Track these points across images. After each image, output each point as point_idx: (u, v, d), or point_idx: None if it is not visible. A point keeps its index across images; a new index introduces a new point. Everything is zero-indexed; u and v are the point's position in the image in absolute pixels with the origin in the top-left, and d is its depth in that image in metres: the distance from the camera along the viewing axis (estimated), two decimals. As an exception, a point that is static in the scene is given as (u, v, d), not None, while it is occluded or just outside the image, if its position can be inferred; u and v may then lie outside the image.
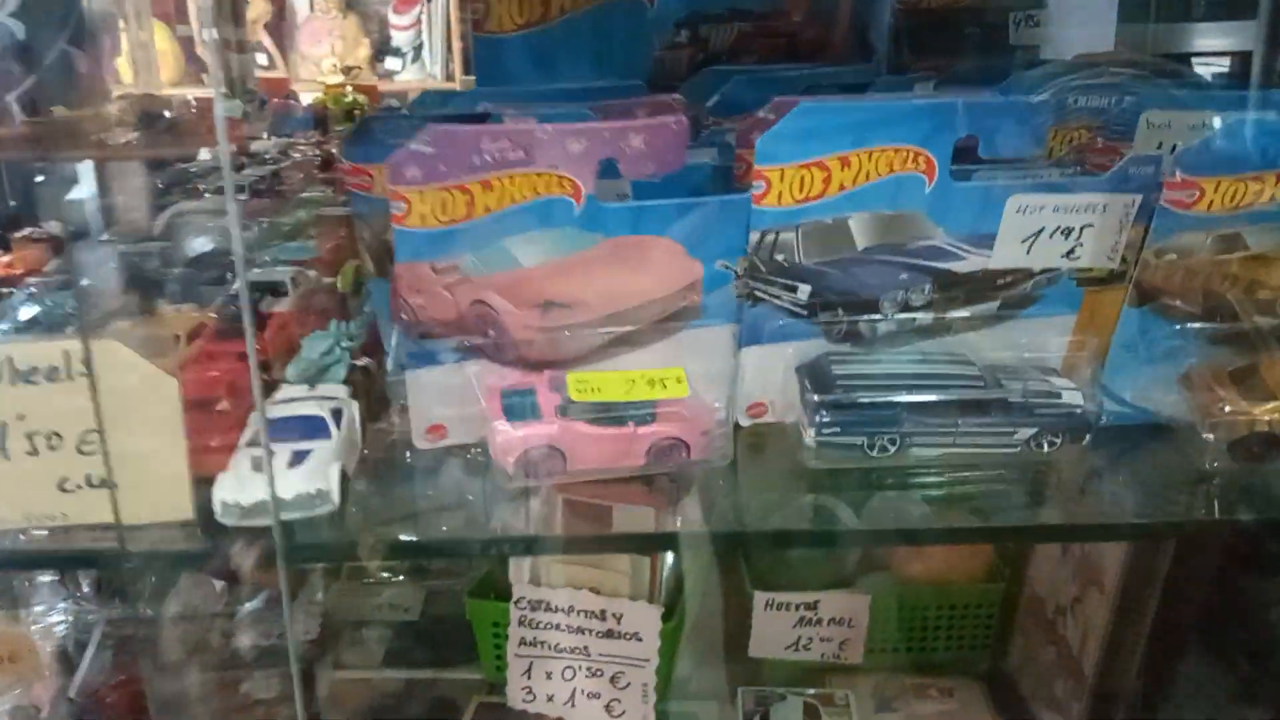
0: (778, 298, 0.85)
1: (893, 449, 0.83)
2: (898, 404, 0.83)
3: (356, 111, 2.84)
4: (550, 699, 1.31)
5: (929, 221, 0.82)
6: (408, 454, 0.90)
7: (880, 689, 1.64)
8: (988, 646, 1.69)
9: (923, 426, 0.83)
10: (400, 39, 3.59)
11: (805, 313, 0.85)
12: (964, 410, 0.83)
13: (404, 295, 0.79)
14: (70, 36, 2.46)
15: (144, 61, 2.74)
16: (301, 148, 2.38)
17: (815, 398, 0.82)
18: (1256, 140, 0.76)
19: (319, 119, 2.61)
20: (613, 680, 1.30)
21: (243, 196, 1.92)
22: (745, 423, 0.93)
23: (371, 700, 1.78)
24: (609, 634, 1.27)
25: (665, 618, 1.24)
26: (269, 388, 0.96)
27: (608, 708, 1.30)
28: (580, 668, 1.29)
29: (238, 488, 0.75)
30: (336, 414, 0.85)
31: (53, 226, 1.62)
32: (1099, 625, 1.40)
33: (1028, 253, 0.83)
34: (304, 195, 1.88)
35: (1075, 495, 0.84)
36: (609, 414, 0.82)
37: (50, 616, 1.79)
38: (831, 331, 0.86)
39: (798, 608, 1.61)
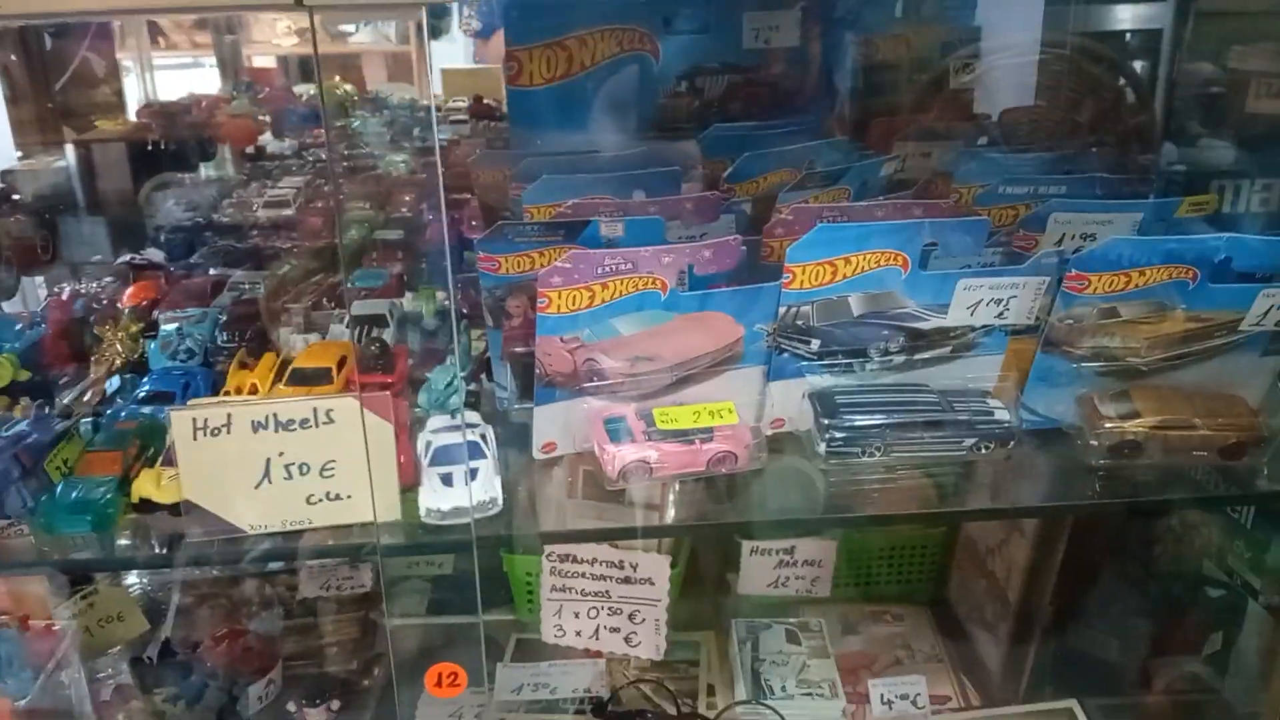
0: (796, 348, 1.20)
1: (878, 455, 1.19)
2: (881, 423, 1.19)
3: (347, 104, 2.97)
4: (578, 634, 1.53)
5: (904, 296, 1.18)
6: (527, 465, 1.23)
7: (845, 616, 1.96)
8: (931, 580, 2.02)
9: (899, 438, 1.19)
10: (355, 0, 3.66)
11: (815, 358, 1.20)
12: (927, 426, 1.19)
13: (538, 357, 1.12)
14: (90, 41, 2.60)
15: (136, 38, 2.84)
16: (313, 149, 2.53)
17: (825, 420, 1.18)
18: (1125, 250, 1.12)
19: (319, 114, 2.74)
20: (630, 617, 1.52)
21: (289, 210, 2.14)
22: (768, 432, 1.27)
23: (422, 642, 2.10)
24: (626, 580, 1.49)
25: (671, 565, 1.47)
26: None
27: (626, 639, 1.53)
28: (603, 608, 1.51)
29: (436, 497, 1.08)
30: (483, 438, 1.18)
31: (151, 254, 1.85)
32: (1020, 562, 1.75)
33: (971, 315, 1.19)
34: (354, 216, 2.09)
35: (1005, 484, 1.21)
36: (682, 435, 1.16)
37: (127, 579, 2.08)
38: (833, 370, 1.22)
39: (778, 552, 1.93)
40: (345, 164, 2.38)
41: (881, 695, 1.73)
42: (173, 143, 2.37)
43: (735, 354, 1.18)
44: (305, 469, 1.06)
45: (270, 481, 1.06)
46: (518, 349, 1.26)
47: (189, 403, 1.15)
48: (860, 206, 1.21)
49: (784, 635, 1.93)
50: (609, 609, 1.52)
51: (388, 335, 1.51)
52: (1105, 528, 1.71)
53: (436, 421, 1.21)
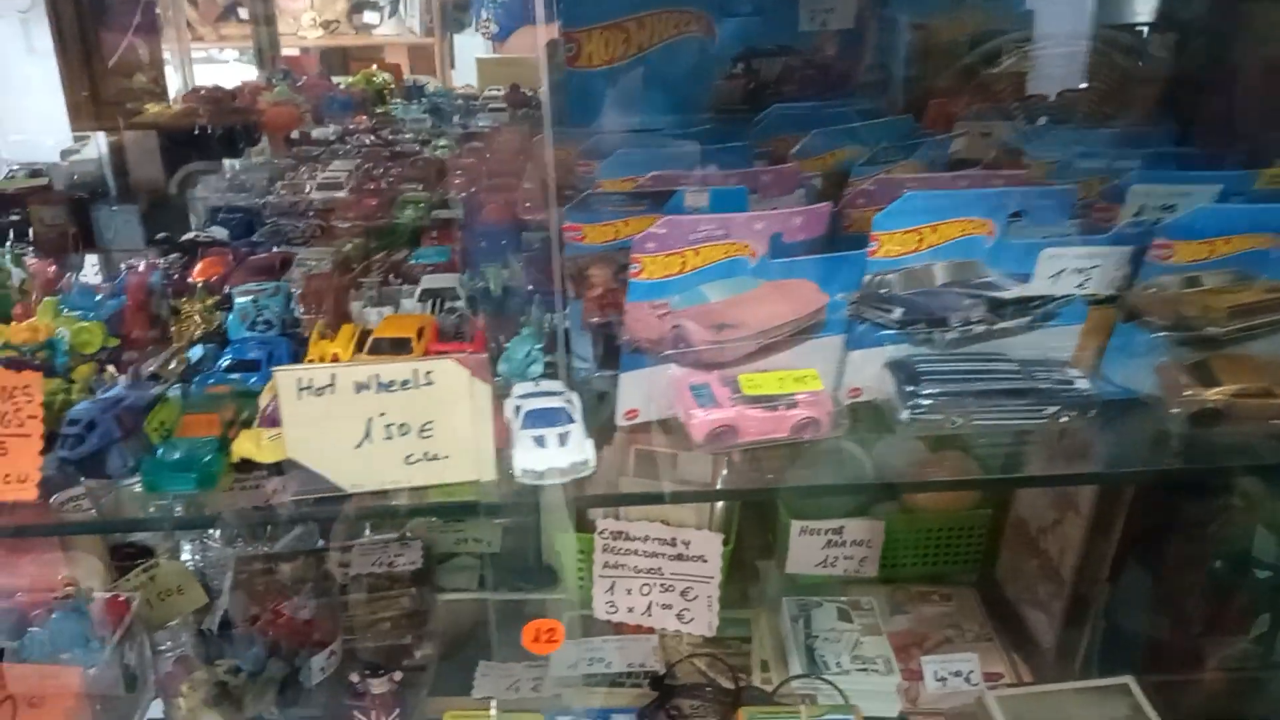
0: (878, 317, 1.22)
1: (960, 422, 1.21)
2: (964, 391, 1.20)
3: (385, 92, 3.00)
4: (630, 610, 1.56)
5: (986, 266, 1.19)
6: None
7: (892, 596, 1.99)
8: (978, 560, 2.06)
9: (981, 406, 1.21)
10: (377, -8, 3.70)
11: (897, 327, 1.22)
12: (1008, 394, 1.21)
13: (627, 323, 1.14)
14: (136, 27, 2.64)
15: (176, 25, 2.88)
16: (357, 135, 2.56)
17: (909, 388, 1.19)
18: (1211, 218, 1.14)
19: (358, 101, 2.78)
20: (683, 594, 1.55)
21: (341, 192, 2.17)
22: (845, 401, 1.29)
23: (474, 617, 2.13)
24: (679, 557, 1.52)
25: (724, 543, 1.49)
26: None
27: (679, 616, 1.56)
28: (655, 585, 1.55)
29: (531, 458, 1.10)
30: (569, 403, 1.20)
31: (215, 231, 1.88)
32: (1076, 541, 1.77)
33: (1053, 284, 1.20)
34: (406, 195, 2.11)
35: (1086, 452, 1.23)
36: (767, 401, 1.18)
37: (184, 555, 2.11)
38: (913, 340, 1.23)
39: (826, 532, 1.96)
40: (392, 147, 2.41)
41: (935, 672, 1.76)
42: (218, 127, 2.41)
43: (817, 322, 1.20)
44: (405, 429, 1.08)
45: (371, 441, 1.08)
46: (597, 318, 1.28)
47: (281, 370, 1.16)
48: (945, 177, 1.23)
49: (835, 613, 1.95)
50: (661, 585, 1.54)
51: (460, 308, 1.54)
52: (1162, 505, 1.72)
53: (523, 388, 1.23)
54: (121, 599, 1.75)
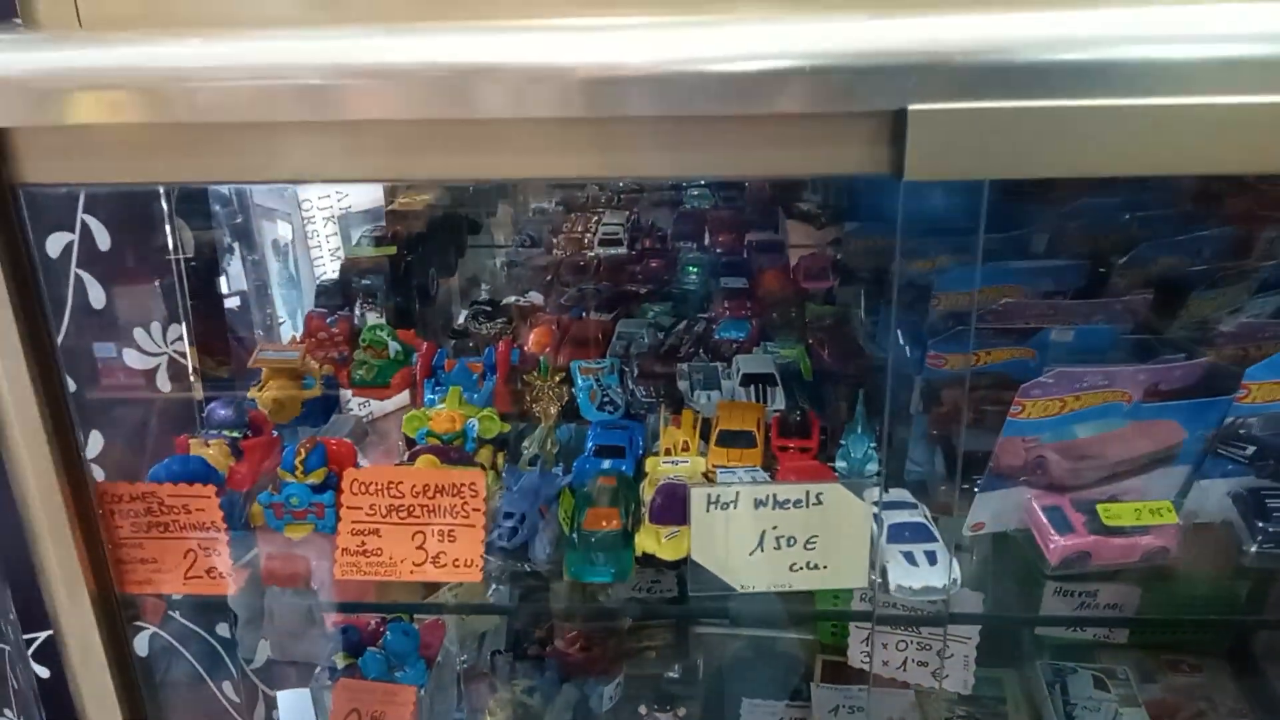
0: (1229, 451, 1.28)
1: (1307, 559, 1.26)
2: (1313, 529, 1.26)
3: None
4: (885, 664, 1.62)
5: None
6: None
7: (1141, 664, 2.03)
8: (1228, 629, 2.07)
9: (1329, 546, 1.26)
10: None
11: (1246, 461, 1.28)
12: (1356, 536, 1.26)
13: (996, 453, 1.24)
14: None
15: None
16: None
17: (1259, 523, 1.25)
18: None
19: None
20: (939, 652, 1.61)
21: (621, 249, 2.27)
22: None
23: (730, 651, 2.26)
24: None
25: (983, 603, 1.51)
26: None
27: (934, 673, 1.63)
28: (912, 641, 1.61)
29: (905, 575, 1.22)
30: (925, 517, 1.31)
31: (533, 296, 2.03)
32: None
33: None
34: (686, 258, 2.20)
35: None
36: (1120, 530, 1.26)
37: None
38: (1262, 471, 1.29)
39: (1080, 594, 2.00)
40: (652, 196, 2.45)
41: (1193, 747, 1.78)
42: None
43: (1170, 456, 1.27)
44: (792, 541, 1.21)
45: (762, 550, 1.21)
46: (940, 432, 1.38)
47: (692, 484, 1.30)
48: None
49: (1091, 680, 1.99)
50: (918, 643, 1.61)
51: (779, 395, 1.64)
52: None
53: (874, 494, 1.34)
54: (440, 621, 1.95)
